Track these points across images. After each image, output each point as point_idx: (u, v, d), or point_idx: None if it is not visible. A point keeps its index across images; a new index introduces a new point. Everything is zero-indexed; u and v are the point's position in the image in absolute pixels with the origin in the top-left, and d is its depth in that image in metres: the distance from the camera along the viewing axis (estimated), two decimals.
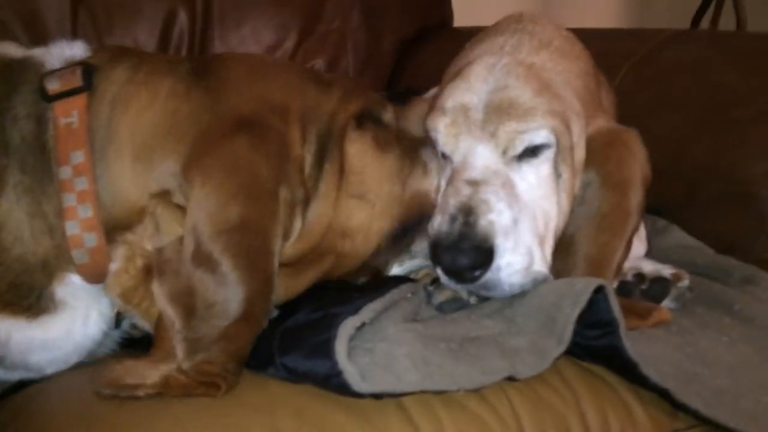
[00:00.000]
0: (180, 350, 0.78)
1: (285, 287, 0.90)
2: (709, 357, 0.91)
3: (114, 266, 0.86)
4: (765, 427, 0.85)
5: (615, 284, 0.99)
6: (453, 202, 0.92)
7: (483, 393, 0.80)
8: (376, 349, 0.77)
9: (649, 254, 1.16)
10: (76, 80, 0.89)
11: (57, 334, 0.90)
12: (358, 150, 0.98)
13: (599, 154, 0.99)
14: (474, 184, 0.92)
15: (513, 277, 0.90)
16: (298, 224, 0.90)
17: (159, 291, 0.81)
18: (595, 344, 0.86)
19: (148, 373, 0.78)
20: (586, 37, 1.74)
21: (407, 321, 0.85)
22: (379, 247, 0.98)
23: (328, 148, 0.96)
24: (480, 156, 0.94)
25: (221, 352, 0.78)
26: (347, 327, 0.76)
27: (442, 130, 0.97)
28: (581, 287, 0.86)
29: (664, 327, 0.95)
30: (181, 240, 0.82)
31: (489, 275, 0.89)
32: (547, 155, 0.95)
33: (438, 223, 0.92)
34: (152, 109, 0.89)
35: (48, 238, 0.87)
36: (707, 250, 1.20)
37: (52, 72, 0.90)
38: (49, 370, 0.93)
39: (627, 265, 1.03)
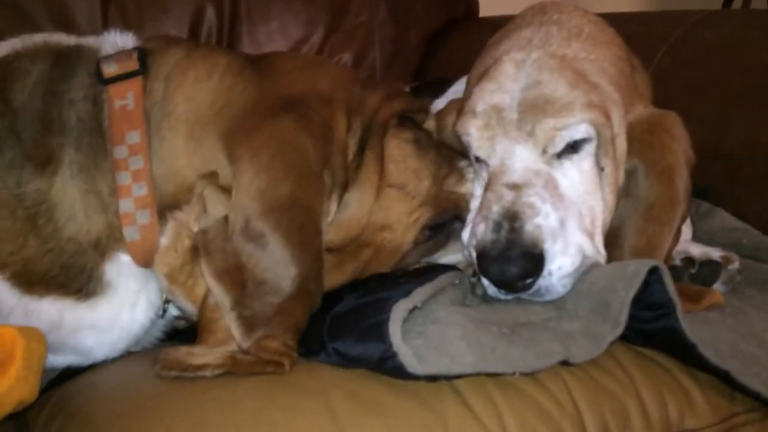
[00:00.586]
0: (236, 330, 0.78)
1: (327, 277, 0.89)
2: (766, 337, 0.88)
3: (164, 241, 0.87)
4: None
5: None
6: (496, 209, 0.87)
7: (538, 377, 0.79)
8: (428, 332, 0.76)
9: (695, 238, 1.13)
10: (133, 63, 0.90)
11: (105, 316, 0.90)
12: (399, 143, 0.98)
13: (641, 141, 0.95)
14: (516, 187, 0.88)
15: (565, 279, 0.86)
16: (333, 208, 0.89)
17: (207, 269, 0.81)
18: (650, 327, 0.84)
19: (209, 355, 0.77)
20: (620, 20, 1.72)
21: (456, 305, 0.84)
22: (416, 241, 0.97)
23: (370, 137, 0.95)
24: (519, 157, 0.90)
25: (279, 327, 0.77)
26: (400, 309, 0.75)
27: (474, 133, 0.93)
28: (634, 269, 0.83)
29: (718, 309, 0.92)
30: (225, 219, 0.82)
31: (540, 282, 0.85)
32: (588, 149, 0.92)
33: (482, 231, 0.87)
34: (209, 82, 0.90)
35: (101, 216, 0.87)
36: (754, 231, 1.17)
37: (109, 56, 0.92)
38: (98, 354, 0.93)
39: (674, 249, 1.01)
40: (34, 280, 0.87)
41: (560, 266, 0.86)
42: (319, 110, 0.89)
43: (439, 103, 1.30)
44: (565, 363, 0.80)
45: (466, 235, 0.96)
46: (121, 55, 0.92)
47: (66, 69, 0.91)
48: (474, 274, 0.95)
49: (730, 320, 0.91)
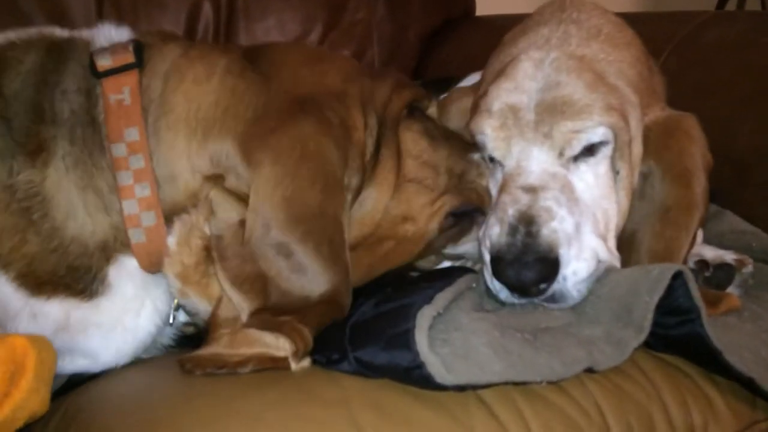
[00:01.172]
0: (254, 321, 0.77)
1: None
2: None
3: (173, 241, 0.84)
4: None
5: None
6: (511, 212, 0.86)
7: (563, 385, 0.77)
8: (452, 339, 0.74)
9: (703, 239, 1.12)
10: (128, 56, 0.87)
11: (109, 317, 0.88)
12: (413, 136, 0.96)
13: (658, 144, 0.93)
14: (532, 190, 0.87)
15: (580, 285, 0.85)
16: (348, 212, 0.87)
17: (224, 276, 0.79)
18: (673, 333, 0.83)
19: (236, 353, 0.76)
20: (625, 21, 1.72)
21: (476, 310, 0.82)
22: (441, 228, 0.94)
23: (384, 133, 0.93)
24: (535, 159, 0.89)
25: (314, 319, 0.76)
26: (425, 316, 0.73)
27: (490, 133, 0.91)
28: (658, 273, 0.82)
29: (736, 313, 0.91)
30: (241, 224, 0.80)
31: (555, 286, 0.84)
32: (605, 152, 0.90)
33: (497, 234, 0.86)
34: (210, 83, 0.87)
35: (104, 216, 0.85)
36: (762, 234, 1.17)
37: (103, 49, 0.89)
38: (104, 358, 0.90)
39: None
40: (41, 281, 0.85)
41: (575, 271, 0.85)
42: (336, 109, 0.86)
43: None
44: (588, 370, 0.79)
45: (480, 233, 0.95)
46: (116, 47, 0.89)
47: (59, 60, 0.88)
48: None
49: (749, 325, 0.90)
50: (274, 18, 1.78)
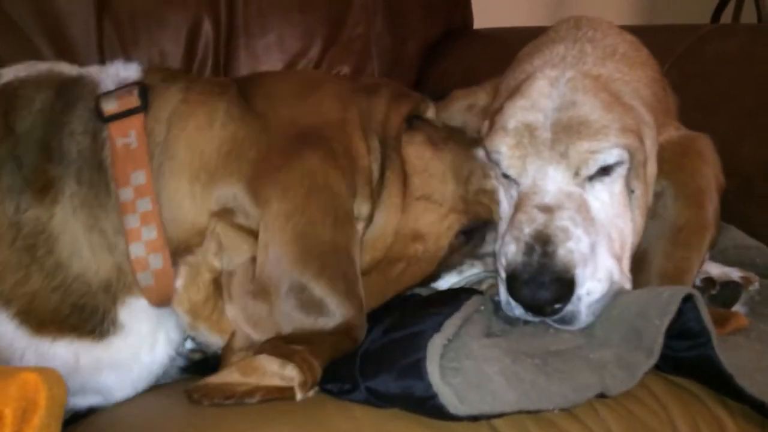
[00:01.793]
0: (266, 346, 0.77)
1: None
2: None
3: (180, 281, 0.84)
4: None
5: None
6: (528, 231, 0.86)
7: (575, 412, 0.77)
8: (464, 368, 0.74)
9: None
10: (133, 100, 0.88)
11: (124, 356, 0.88)
12: (416, 150, 0.96)
13: (672, 163, 0.94)
14: (548, 210, 0.87)
15: (594, 305, 0.85)
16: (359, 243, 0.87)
17: (234, 314, 0.79)
18: (684, 356, 0.83)
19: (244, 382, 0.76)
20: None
21: (486, 336, 0.82)
22: (451, 247, 0.94)
23: (387, 154, 0.92)
24: (551, 178, 0.89)
25: (325, 351, 0.76)
26: (436, 345, 0.73)
27: (505, 151, 0.91)
28: (668, 297, 0.82)
29: (744, 333, 0.91)
30: (252, 261, 0.79)
31: (569, 307, 0.84)
32: (620, 172, 0.90)
33: (513, 252, 0.86)
34: (211, 130, 0.87)
35: (108, 257, 0.85)
36: (766, 249, 1.17)
37: (109, 93, 0.90)
38: (119, 395, 0.90)
39: None
40: (43, 320, 0.85)
41: (589, 291, 0.85)
42: (339, 139, 0.87)
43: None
44: (600, 394, 0.79)
45: (497, 248, 0.95)
46: (122, 91, 0.90)
47: (68, 100, 0.90)
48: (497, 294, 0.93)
49: (757, 345, 0.90)
50: (274, 34, 1.78)
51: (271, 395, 0.77)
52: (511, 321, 0.91)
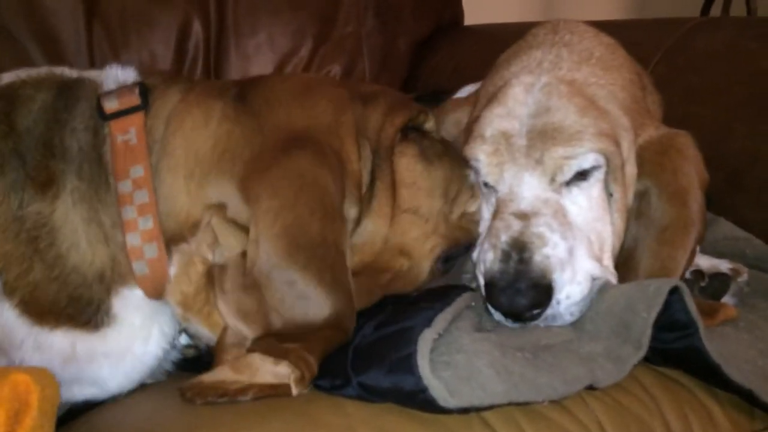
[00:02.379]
0: (260, 346, 0.77)
1: None
2: None
3: (173, 270, 0.86)
4: None
5: None
6: (504, 238, 0.87)
7: (564, 403, 0.78)
8: (454, 362, 0.74)
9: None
10: (134, 99, 0.90)
11: (117, 346, 0.89)
12: (408, 163, 0.96)
13: (653, 163, 0.94)
14: (524, 216, 0.88)
15: (573, 307, 0.86)
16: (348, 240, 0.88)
17: (226, 309, 0.80)
18: (672, 347, 0.84)
19: (237, 379, 0.77)
20: (613, 28, 1.71)
21: (477, 331, 0.83)
22: (432, 272, 0.95)
23: (378, 163, 0.94)
24: (527, 185, 0.89)
25: (319, 346, 0.77)
26: (426, 340, 0.73)
27: (483, 159, 0.92)
28: (654, 289, 0.83)
29: (732, 324, 0.92)
30: (243, 255, 0.81)
31: (548, 311, 0.85)
32: (597, 176, 0.91)
33: (490, 260, 0.87)
34: (207, 129, 0.89)
35: (104, 247, 0.87)
36: (756, 241, 1.18)
37: (110, 92, 0.92)
38: (113, 385, 0.91)
39: None
40: (43, 310, 0.86)
41: (568, 295, 0.86)
42: (330, 142, 0.88)
43: None
44: (589, 387, 0.79)
45: (475, 255, 0.95)
46: (123, 90, 0.92)
47: (69, 99, 0.92)
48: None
49: (745, 335, 0.91)
50: (264, 33, 1.78)
51: (264, 392, 0.77)
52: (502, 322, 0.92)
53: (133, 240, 0.85)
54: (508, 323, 0.87)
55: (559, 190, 0.90)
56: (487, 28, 2.10)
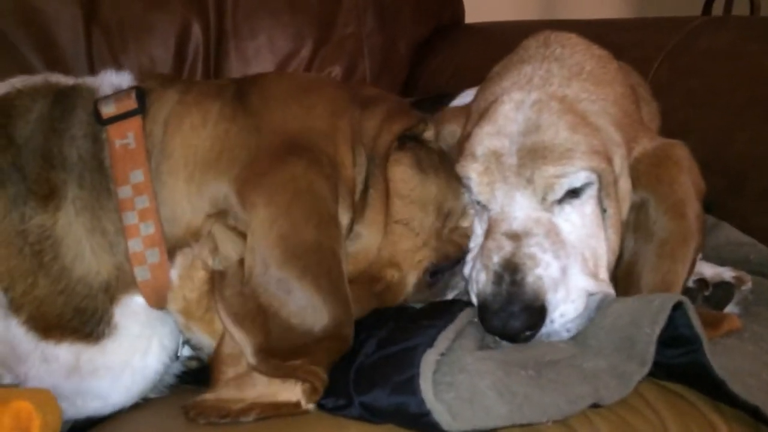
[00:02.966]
0: (271, 375, 0.78)
1: None
2: None
3: (175, 275, 0.86)
4: None
5: None
6: (496, 259, 0.86)
7: (569, 422, 0.77)
8: (457, 383, 0.74)
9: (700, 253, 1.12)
10: (131, 103, 0.90)
11: (116, 358, 0.89)
12: (402, 173, 0.96)
13: (649, 176, 0.93)
14: (515, 237, 0.87)
15: (569, 324, 0.85)
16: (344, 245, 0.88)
17: (224, 314, 0.80)
18: (676, 363, 0.83)
19: (246, 399, 0.77)
20: (615, 28, 1.71)
21: (480, 348, 0.82)
22: (418, 285, 0.95)
23: (373, 171, 0.93)
24: (519, 204, 0.89)
25: (324, 358, 0.78)
26: (429, 362, 0.73)
27: (474, 178, 0.91)
28: (658, 305, 0.82)
29: (737, 335, 0.92)
30: (241, 263, 0.81)
31: (543, 330, 0.84)
32: (590, 193, 0.90)
33: (483, 281, 0.86)
34: (205, 130, 0.89)
35: (110, 257, 0.87)
36: (760, 246, 1.16)
37: (107, 97, 0.92)
38: (115, 399, 0.91)
39: None
40: (49, 325, 0.86)
41: (562, 313, 0.85)
42: (325, 148, 0.88)
43: None
44: (593, 404, 0.79)
45: (467, 271, 0.95)
46: (120, 95, 0.92)
47: (66, 107, 0.92)
48: None
49: (750, 347, 0.90)
50: (264, 36, 1.77)
51: (267, 413, 0.77)
52: None
53: (135, 245, 0.85)
54: (504, 343, 0.86)
55: (551, 209, 0.89)
56: (488, 27, 2.08)
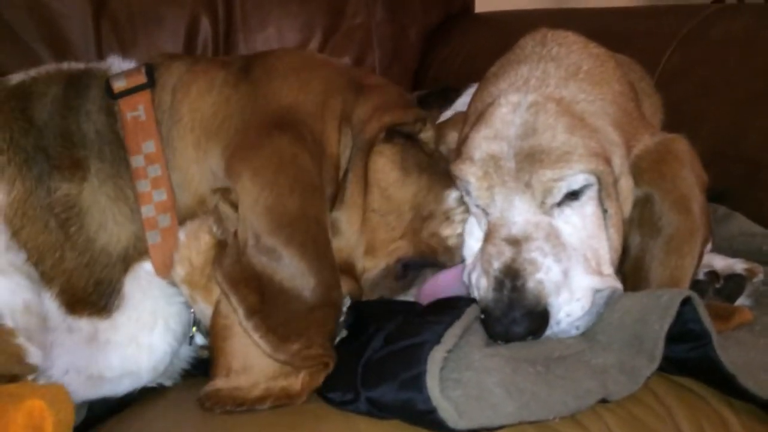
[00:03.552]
0: (262, 340, 0.79)
1: None
2: None
3: (183, 235, 0.89)
4: None
5: None
6: (497, 265, 0.85)
7: (578, 417, 0.77)
8: (464, 380, 0.74)
9: (712, 243, 1.11)
10: (141, 78, 0.95)
11: (124, 332, 0.92)
12: (384, 164, 0.97)
13: (651, 172, 0.92)
14: (515, 242, 0.86)
15: (577, 322, 0.85)
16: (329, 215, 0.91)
17: (220, 277, 0.82)
18: (686, 358, 0.83)
19: (258, 387, 0.80)
20: (626, 16, 1.69)
21: (487, 345, 0.82)
22: (387, 270, 0.96)
23: (354, 155, 0.95)
24: (518, 209, 0.88)
25: (316, 336, 0.80)
26: (436, 359, 0.73)
27: (474, 182, 0.90)
28: (667, 300, 0.81)
29: (748, 328, 0.91)
30: (236, 234, 0.84)
31: (550, 331, 0.84)
32: (590, 195, 0.89)
33: (484, 288, 0.86)
34: (210, 96, 0.94)
35: (130, 224, 0.91)
36: None
37: (119, 74, 0.96)
38: (125, 378, 0.94)
39: None
40: (75, 300, 0.90)
41: (568, 313, 0.85)
42: (311, 123, 0.91)
43: (446, 114, 1.27)
44: (602, 400, 0.79)
45: (467, 276, 0.94)
46: (131, 71, 0.97)
47: (79, 87, 0.96)
48: None
49: (762, 340, 0.89)
50: (273, 27, 1.77)
51: (281, 401, 0.79)
52: None
53: (148, 211, 0.90)
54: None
55: (551, 212, 0.88)
56: (497, 16, 2.07)
